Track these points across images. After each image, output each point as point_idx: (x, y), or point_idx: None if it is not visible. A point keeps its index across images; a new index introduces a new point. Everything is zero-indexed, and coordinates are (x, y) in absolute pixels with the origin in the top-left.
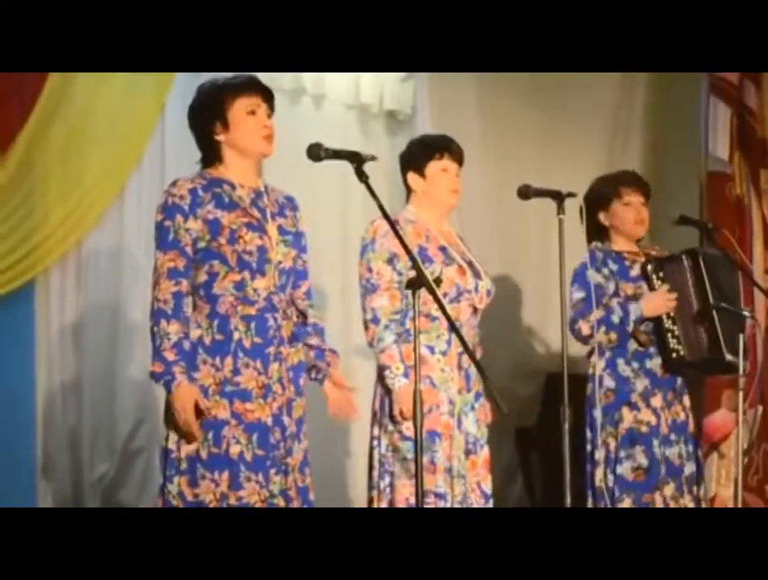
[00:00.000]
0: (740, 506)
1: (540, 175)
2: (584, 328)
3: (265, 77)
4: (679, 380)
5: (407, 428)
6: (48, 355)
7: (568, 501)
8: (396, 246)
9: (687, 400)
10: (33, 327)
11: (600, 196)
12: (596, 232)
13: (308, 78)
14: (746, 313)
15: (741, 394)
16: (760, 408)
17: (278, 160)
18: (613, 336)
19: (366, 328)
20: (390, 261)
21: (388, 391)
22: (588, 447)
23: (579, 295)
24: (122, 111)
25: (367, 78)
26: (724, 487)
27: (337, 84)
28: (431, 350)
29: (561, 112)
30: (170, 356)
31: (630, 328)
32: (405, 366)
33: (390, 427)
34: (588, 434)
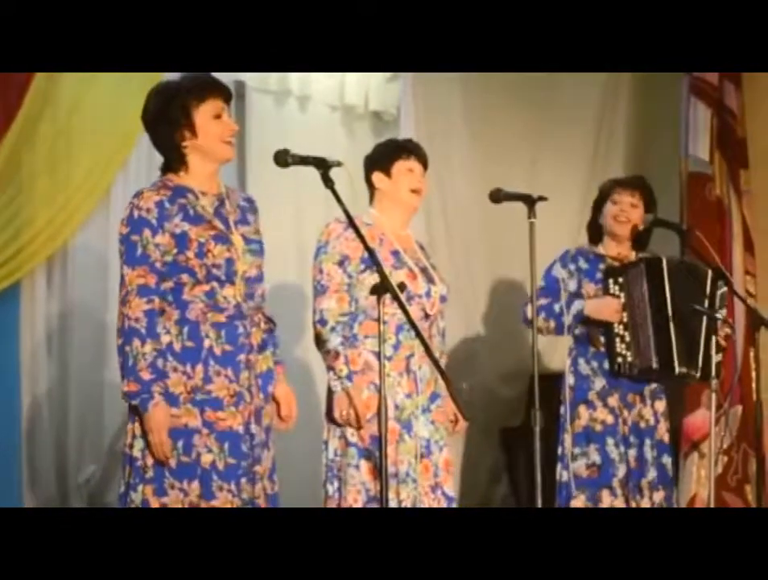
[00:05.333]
0: (713, 505)
1: (525, 175)
2: (529, 312)
3: (251, 79)
4: (654, 385)
5: (352, 433)
6: (33, 357)
7: (539, 502)
8: (348, 249)
9: (660, 405)
10: (18, 329)
11: (598, 198)
12: (594, 234)
13: (294, 80)
14: (718, 316)
15: (714, 396)
16: (739, 408)
17: (263, 162)
18: (552, 324)
19: (314, 329)
20: (341, 263)
21: (331, 393)
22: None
23: (538, 284)
24: (109, 112)
25: (352, 79)
26: (703, 487)
27: (323, 85)
28: (377, 355)
29: (546, 113)
30: (146, 375)
31: (568, 320)
32: (349, 370)
33: (338, 432)
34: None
